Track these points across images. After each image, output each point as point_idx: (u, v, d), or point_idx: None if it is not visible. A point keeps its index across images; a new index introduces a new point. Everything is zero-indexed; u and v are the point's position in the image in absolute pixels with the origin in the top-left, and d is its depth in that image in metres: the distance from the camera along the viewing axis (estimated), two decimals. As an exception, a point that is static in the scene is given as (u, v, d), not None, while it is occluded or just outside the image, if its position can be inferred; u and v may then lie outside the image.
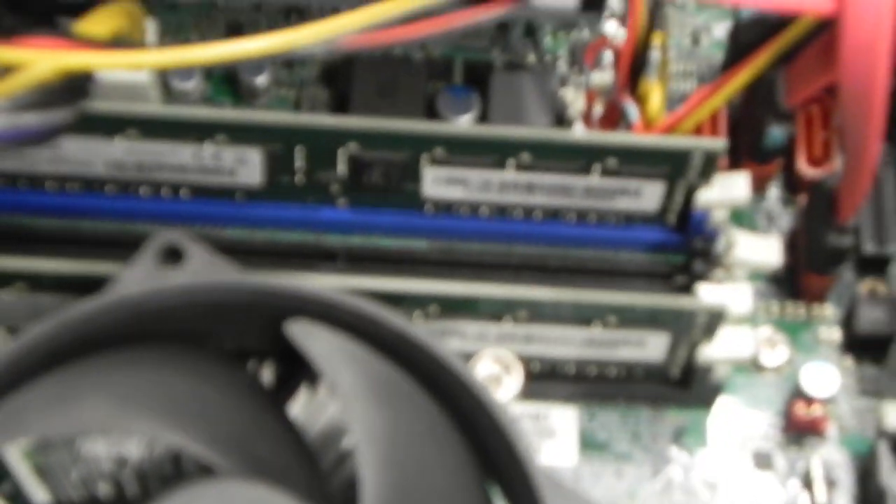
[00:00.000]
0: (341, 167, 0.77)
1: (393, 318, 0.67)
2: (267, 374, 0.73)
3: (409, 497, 0.65)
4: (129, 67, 0.70)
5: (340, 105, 0.86)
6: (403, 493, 0.65)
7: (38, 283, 0.75)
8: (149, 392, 0.66)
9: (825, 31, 0.71)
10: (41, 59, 0.67)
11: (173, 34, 0.88)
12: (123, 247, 0.76)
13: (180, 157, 0.76)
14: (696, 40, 0.91)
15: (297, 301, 0.67)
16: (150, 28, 0.82)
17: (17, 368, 0.65)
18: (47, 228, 0.79)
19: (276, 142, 0.75)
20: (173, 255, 0.69)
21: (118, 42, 0.72)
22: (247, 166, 0.77)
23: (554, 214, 0.79)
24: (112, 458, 0.72)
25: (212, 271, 0.69)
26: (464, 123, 0.83)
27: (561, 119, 0.85)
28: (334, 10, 0.79)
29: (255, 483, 0.63)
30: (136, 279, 0.68)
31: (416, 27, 0.68)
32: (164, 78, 0.85)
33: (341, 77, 0.86)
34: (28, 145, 0.70)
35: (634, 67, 0.79)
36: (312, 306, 0.67)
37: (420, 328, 0.68)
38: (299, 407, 0.71)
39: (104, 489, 0.72)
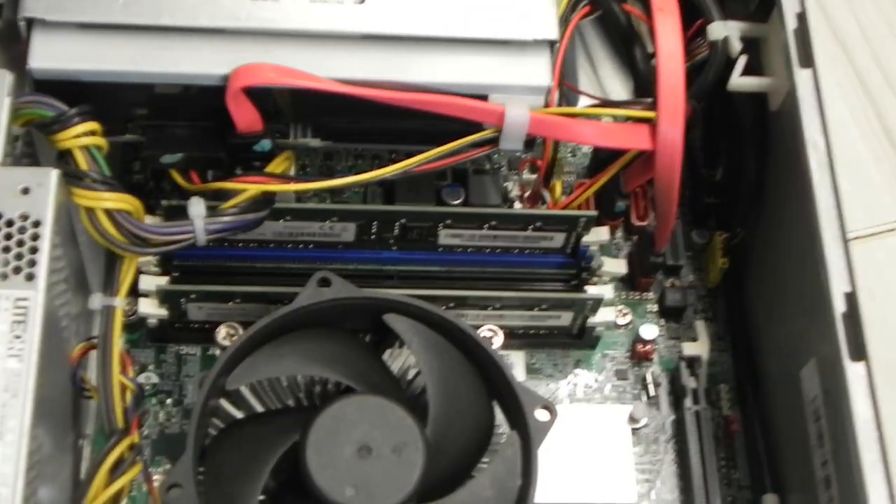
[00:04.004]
0: (396, 230, 0.81)
1: (435, 309, 0.73)
2: (366, 340, 0.77)
3: (453, 399, 0.71)
4: (298, 191, 0.76)
5: (387, 194, 0.86)
6: (452, 397, 0.71)
7: (246, 298, 0.79)
8: (316, 352, 0.72)
9: (645, 154, 0.76)
10: (252, 188, 0.74)
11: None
12: (279, 276, 0.81)
13: (312, 229, 0.80)
14: (573, 153, 0.93)
15: (389, 303, 0.73)
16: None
17: (250, 344, 0.71)
18: (237, 267, 0.82)
19: (363, 220, 0.80)
20: (325, 282, 0.73)
21: (287, 176, 0.77)
22: (346, 232, 0.80)
23: (507, 250, 0.83)
24: (292, 385, 0.75)
25: (346, 290, 0.73)
26: (456, 204, 0.85)
27: (505, 199, 0.88)
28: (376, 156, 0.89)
29: (374, 396, 0.69)
30: (307, 295, 0.72)
31: (445, 161, 0.74)
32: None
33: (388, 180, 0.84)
34: (246, 231, 0.75)
35: (547, 173, 0.84)
36: (396, 306, 0.73)
37: (449, 314, 0.73)
38: (384, 357, 0.76)
39: (290, 402, 0.74)
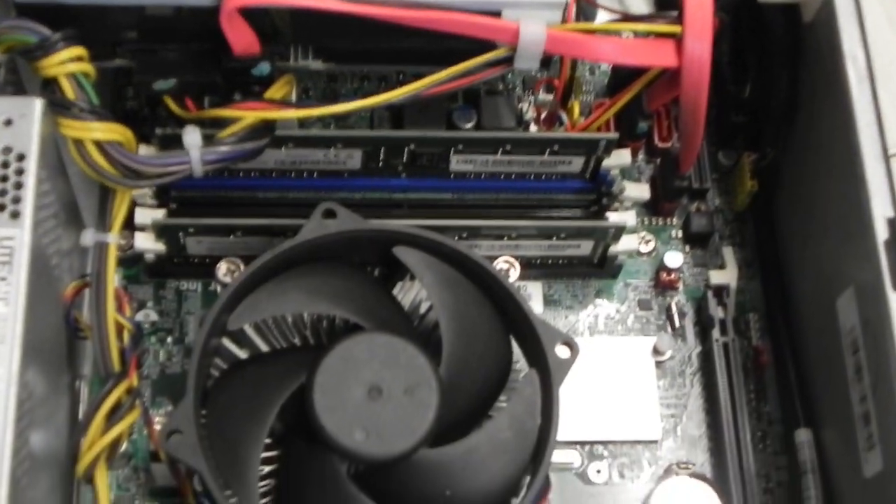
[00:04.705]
0: (405, 157, 0.78)
1: (447, 240, 0.70)
2: (375, 274, 0.74)
3: (468, 335, 0.69)
4: (300, 118, 0.73)
5: (395, 118, 0.83)
6: (466, 334, 0.69)
7: (248, 231, 0.76)
8: (321, 287, 0.70)
9: (670, 71, 0.73)
10: (251, 115, 0.71)
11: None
12: (281, 206, 0.79)
13: (316, 156, 0.77)
14: (592, 71, 0.89)
15: (398, 235, 0.71)
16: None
17: (252, 280, 0.69)
18: (238, 198, 0.79)
19: (370, 146, 0.77)
20: (330, 213, 0.70)
21: (288, 102, 0.74)
22: (352, 159, 0.77)
23: (523, 176, 0.80)
24: (297, 323, 0.72)
25: (352, 222, 0.70)
26: (468, 127, 0.82)
27: (520, 122, 0.84)
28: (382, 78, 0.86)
29: (384, 333, 0.67)
30: (311, 228, 0.69)
31: (457, 82, 0.71)
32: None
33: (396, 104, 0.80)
34: (246, 161, 0.73)
35: (565, 93, 0.82)
36: (406, 238, 0.71)
37: (462, 245, 0.71)
38: (394, 292, 0.74)
39: (295, 341, 0.72)
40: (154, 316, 0.81)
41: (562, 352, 0.68)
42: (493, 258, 0.74)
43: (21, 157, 0.64)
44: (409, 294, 0.74)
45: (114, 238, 0.71)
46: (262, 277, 0.70)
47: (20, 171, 0.64)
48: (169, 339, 0.81)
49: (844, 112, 0.70)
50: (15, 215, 0.63)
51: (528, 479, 0.68)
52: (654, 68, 0.75)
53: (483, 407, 0.70)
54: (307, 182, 0.80)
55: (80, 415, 0.75)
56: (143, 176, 0.69)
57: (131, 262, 0.81)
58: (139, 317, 0.80)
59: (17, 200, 0.63)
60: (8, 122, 0.65)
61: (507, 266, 0.74)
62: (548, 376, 0.68)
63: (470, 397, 0.69)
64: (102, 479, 0.66)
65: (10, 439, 0.58)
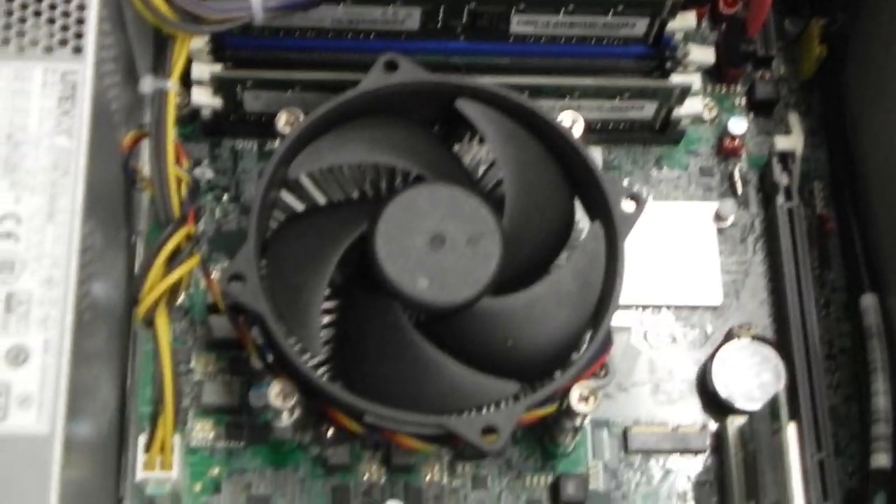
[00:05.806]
0: (465, 18, 0.76)
1: (511, 93, 0.69)
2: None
3: (531, 189, 0.68)
4: None
5: None
6: (529, 188, 0.68)
7: (306, 86, 0.76)
8: (383, 139, 0.69)
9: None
10: None
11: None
12: (338, 66, 0.77)
13: (374, 15, 0.76)
14: None
15: (462, 88, 0.69)
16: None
17: (311, 130, 0.68)
18: (294, 59, 0.77)
19: (429, 4, 0.75)
20: (392, 66, 0.68)
21: None
22: (411, 18, 0.76)
23: (584, 40, 0.78)
24: (356, 176, 0.71)
25: (414, 73, 0.69)
26: None
27: None
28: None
29: (448, 185, 0.67)
30: (373, 79, 0.68)
31: None
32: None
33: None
34: (306, 9, 0.71)
35: None
36: (468, 90, 0.69)
37: (527, 99, 0.69)
38: (455, 149, 0.73)
39: (355, 193, 0.72)
40: (210, 174, 0.81)
41: (627, 206, 0.67)
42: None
43: (82, -8, 0.63)
44: (467, 154, 0.73)
45: (173, 84, 0.69)
46: (322, 129, 0.69)
47: (81, 7, 0.63)
48: (225, 197, 0.81)
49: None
50: (77, 50, 0.62)
51: (589, 334, 0.67)
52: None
53: (546, 260, 0.69)
54: (364, 43, 0.78)
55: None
56: (203, 21, 0.68)
57: (187, 119, 0.80)
58: (195, 173, 0.79)
59: (78, 36, 0.63)
60: (68, -41, 0.64)
61: (571, 122, 0.72)
62: (613, 230, 0.67)
63: (532, 250, 0.68)
64: (163, 321, 0.66)
65: (74, 270, 0.58)
